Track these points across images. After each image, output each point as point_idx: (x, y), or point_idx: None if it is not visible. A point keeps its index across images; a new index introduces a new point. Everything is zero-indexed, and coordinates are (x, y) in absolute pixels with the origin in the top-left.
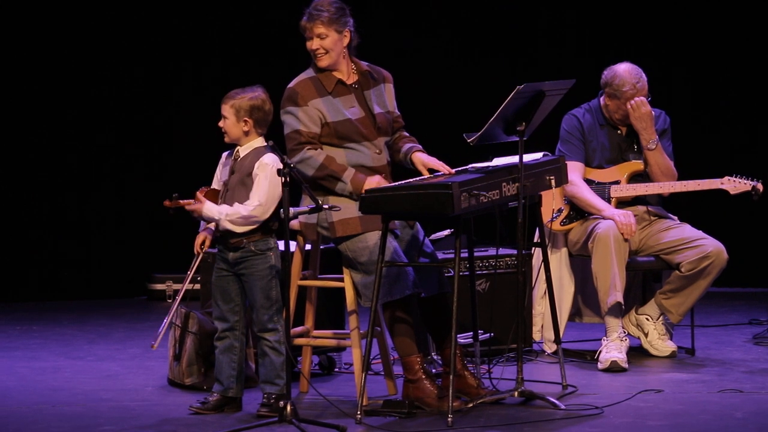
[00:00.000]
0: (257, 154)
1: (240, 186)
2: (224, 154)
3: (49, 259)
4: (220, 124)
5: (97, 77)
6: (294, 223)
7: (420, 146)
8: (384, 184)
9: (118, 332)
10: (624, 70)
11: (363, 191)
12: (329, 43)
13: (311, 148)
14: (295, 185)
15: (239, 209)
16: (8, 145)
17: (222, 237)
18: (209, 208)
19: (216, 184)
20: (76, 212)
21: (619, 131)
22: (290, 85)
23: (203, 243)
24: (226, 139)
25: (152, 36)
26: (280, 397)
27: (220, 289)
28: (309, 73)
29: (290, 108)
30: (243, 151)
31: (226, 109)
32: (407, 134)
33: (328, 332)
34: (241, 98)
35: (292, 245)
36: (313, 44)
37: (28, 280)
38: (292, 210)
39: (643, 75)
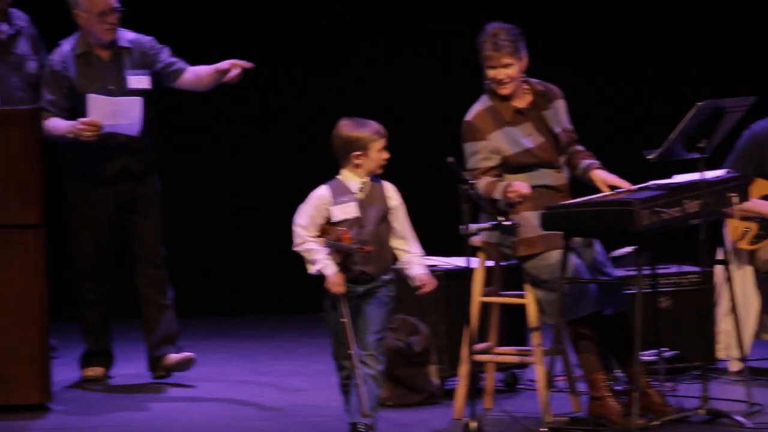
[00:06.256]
0: (373, 181)
1: (383, 219)
2: (326, 192)
3: (234, 274)
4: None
5: None
6: (475, 240)
7: (598, 162)
8: (520, 187)
9: (302, 348)
10: None
11: (508, 192)
12: (514, 71)
13: (480, 179)
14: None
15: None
16: (217, 151)
17: (360, 273)
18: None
19: (318, 220)
20: (270, 227)
21: None
22: (468, 118)
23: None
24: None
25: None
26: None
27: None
28: (485, 102)
29: (470, 143)
30: (365, 182)
31: None
32: (582, 148)
33: (511, 349)
34: None
35: (475, 262)
36: (499, 74)
37: (214, 294)
38: (473, 226)
39: None
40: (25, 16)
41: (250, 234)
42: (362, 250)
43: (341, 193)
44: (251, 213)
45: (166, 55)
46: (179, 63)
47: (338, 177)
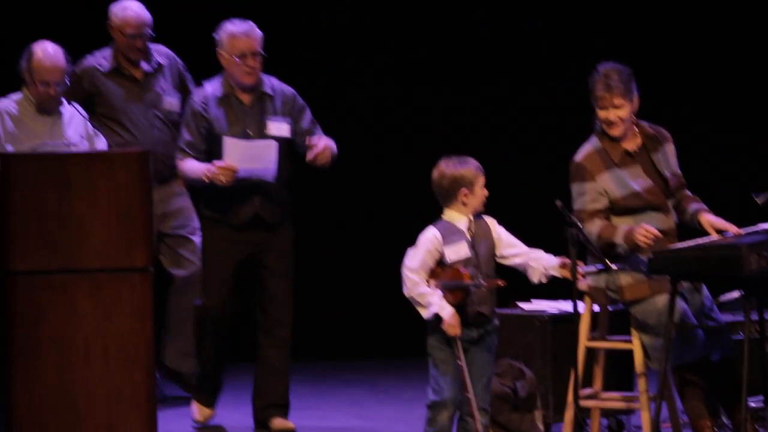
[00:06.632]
0: (476, 218)
1: (493, 256)
2: (436, 233)
3: (338, 318)
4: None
5: None
6: (581, 284)
7: (706, 207)
8: (651, 229)
9: (407, 393)
10: None
11: (635, 237)
12: (625, 113)
13: (589, 221)
14: None
15: None
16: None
17: (476, 314)
18: None
19: (430, 263)
20: (371, 270)
21: None
22: (577, 159)
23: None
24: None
25: None
26: None
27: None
28: (594, 143)
29: (577, 183)
30: (471, 219)
31: None
32: (690, 193)
33: (617, 394)
34: None
35: (581, 306)
36: (610, 115)
37: (318, 337)
38: (581, 270)
39: None
40: (167, 51)
41: (353, 277)
42: (494, 284)
43: (451, 233)
44: (352, 256)
45: (307, 122)
46: (317, 130)
47: (443, 217)
